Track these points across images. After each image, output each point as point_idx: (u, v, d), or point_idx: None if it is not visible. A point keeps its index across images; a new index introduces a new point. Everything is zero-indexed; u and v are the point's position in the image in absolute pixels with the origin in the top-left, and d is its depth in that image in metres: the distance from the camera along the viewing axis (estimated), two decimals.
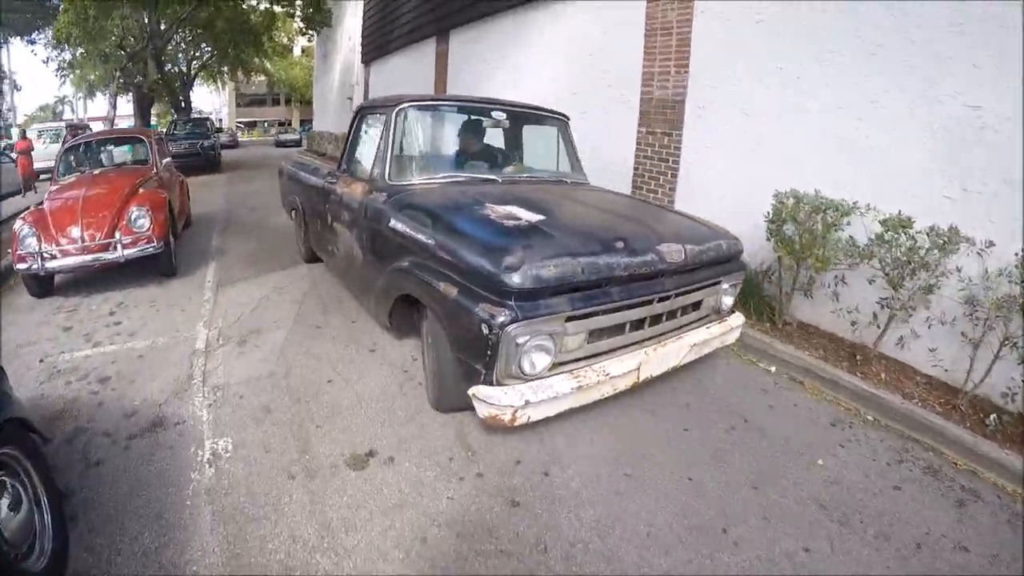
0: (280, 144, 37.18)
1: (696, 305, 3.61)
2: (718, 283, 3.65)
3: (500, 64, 9.76)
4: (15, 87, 34.34)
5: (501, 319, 2.61)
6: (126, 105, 28.31)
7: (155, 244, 5.74)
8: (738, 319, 3.99)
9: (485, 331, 2.65)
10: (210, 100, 57.30)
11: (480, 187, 4.03)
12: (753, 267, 5.02)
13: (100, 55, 17.91)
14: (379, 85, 15.89)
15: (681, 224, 3.82)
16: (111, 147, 8.00)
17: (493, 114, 4.63)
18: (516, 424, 2.80)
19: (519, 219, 3.22)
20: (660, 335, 3.39)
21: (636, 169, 6.85)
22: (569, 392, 2.87)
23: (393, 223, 3.61)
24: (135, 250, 5.65)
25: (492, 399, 2.75)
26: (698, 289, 3.50)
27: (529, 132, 5.07)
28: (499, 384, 2.79)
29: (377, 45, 15.74)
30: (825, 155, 4.83)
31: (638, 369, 3.18)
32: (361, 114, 4.73)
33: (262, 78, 39.91)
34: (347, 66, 20.23)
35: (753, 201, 5.15)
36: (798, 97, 5.04)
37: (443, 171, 4.24)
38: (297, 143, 35.50)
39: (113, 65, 18.75)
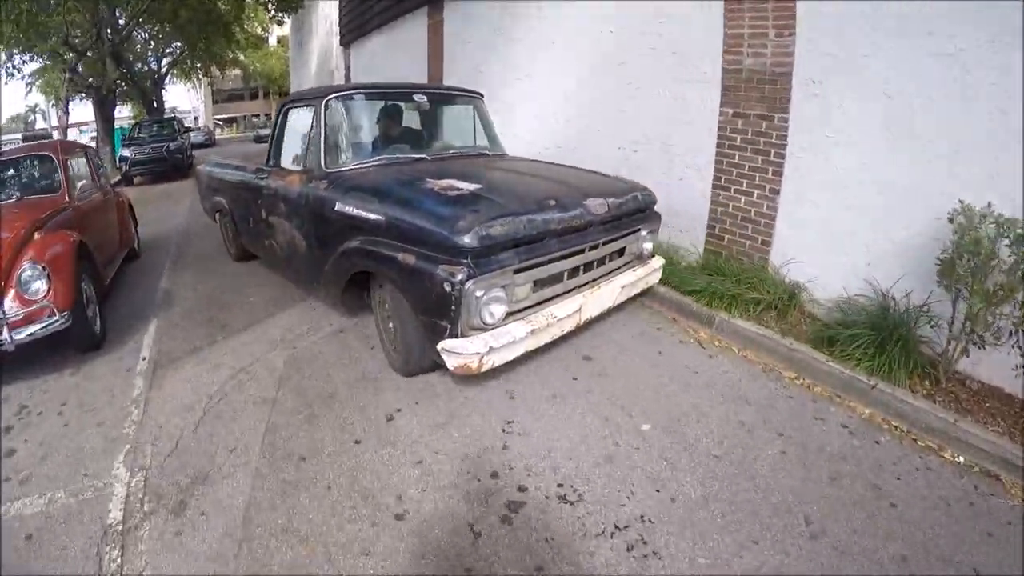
0: (259, 140, 35.06)
1: (621, 252, 4.10)
2: (638, 231, 4.14)
3: (515, 34, 7.77)
4: None
5: (461, 276, 2.93)
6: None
7: (59, 317, 3.93)
8: (658, 261, 4.50)
9: (448, 289, 2.94)
10: (187, 98, 54.75)
11: (413, 166, 4.32)
12: (897, 306, 3.84)
13: (49, 54, 15.81)
14: (361, 69, 13.95)
15: (600, 181, 4.28)
16: (11, 170, 5.68)
17: (415, 97, 4.91)
18: (483, 370, 3.12)
19: (460, 189, 3.52)
20: (594, 280, 3.85)
21: (719, 163, 5.10)
22: (525, 336, 3.22)
23: (339, 207, 3.78)
24: (33, 329, 3.86)
25: (460, 349, 3.04)
26: (622, 237, 3.97)
27: (449, 111, 5.38)
28: (464, 336, 3.07)
29: (357, 24, 13.66)
30: (1003, 154, 3.44)
31: (580, 311, 3.61)
32: (285, 108, 4.86)
33: (237, 72, 37.67)
34: (325, 51, 18.32)
35: (896, 216, 4.00)
36: (964, 76, 3.59)
37: (375, 155, 4.45)
38: None
39: (61, 65, 16.51)
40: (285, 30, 31.31)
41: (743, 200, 4.93)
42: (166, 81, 29.21)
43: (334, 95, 4.33)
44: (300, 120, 4.59)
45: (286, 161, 4.72)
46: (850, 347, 3.67)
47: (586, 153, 6.23)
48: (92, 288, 4.62)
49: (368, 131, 4.68)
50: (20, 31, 13.01)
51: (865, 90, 4.07)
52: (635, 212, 4.12)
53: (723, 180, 5.08)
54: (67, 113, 16.09)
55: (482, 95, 5.46)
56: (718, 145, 5.07)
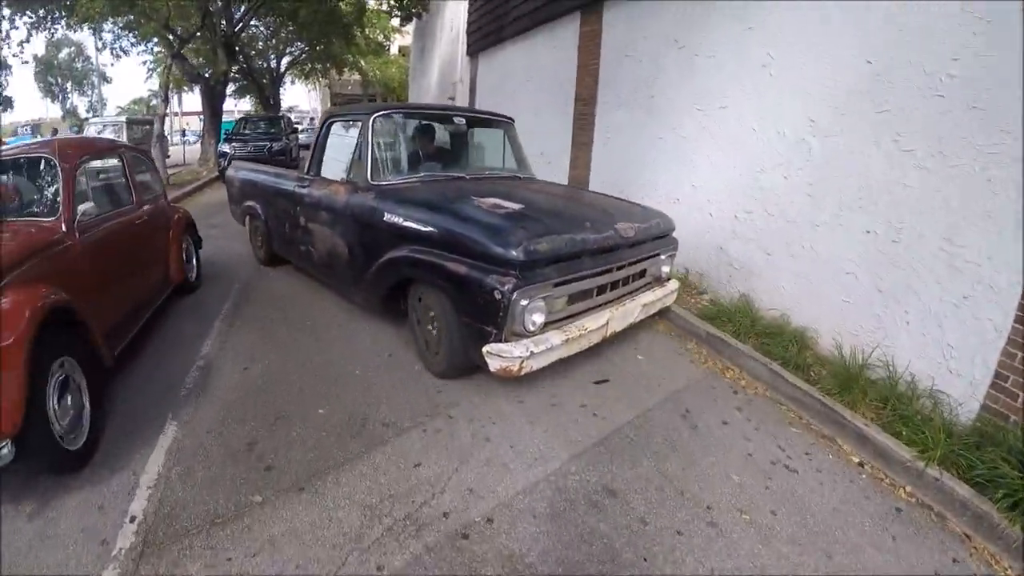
0: None
1: (642, 273, 4.33)
2: (658, 254, 4.40)
3: (702, 49, 5.58)
4: (104, 79, 32.64)
5: (509, 286, 3.16)
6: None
7: None
8: (674, 284, 4.71)
9: (498, 296, 3.17)
10: (307, 99, 55.39)
11: (454, 183, 4.61)
12: None
13: (152, 36, 14.92)
14: (490, 82, 11.84)
15: (627, 207, 4.57)
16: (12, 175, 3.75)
17: (454, 119, 5.31)
18: (522, 373, 3.33)
19: (506, 207, 3.81)
20: (620, 297, 4.10)
21: None
22: (560, 344, 3.46)
23: (388, 217, 4.00)
24: None
25: (504, 353, 3.25)
26: (645, 259, 4.25)
27: (483, 134, 5.70)
28: (507, 341, 3.29)
29: (488, 32, 11.64)
30: None
31: (607, 324, 3.82)
32: (329, 122, 5.04)
33: (357, 77, 37.16)
34: (448, 61, 16.45)
35: None
36: None
37: (417, 171, 4.73)
38: None
39: (164, 51, 15.39)
40: (407, 40, 30.49)
41: None
42: (284, 80, 29.58)
43: (380, 113, 4.59)
44: (344, 134, 4.82)
45: (328, 172, 4.95)
46: None
47: (812, 229, 4.53)
48: (80, 374, 2.99)
49: (411, 148, 4.91)
50: (112, 9, 12.02)
51: None
52: (656, 237, 4.39)
53: None
54: (166, 100, 14.82)
55: (513, 120, 5.73)
56: None
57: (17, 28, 13.56)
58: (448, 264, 3.46)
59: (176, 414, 3.39)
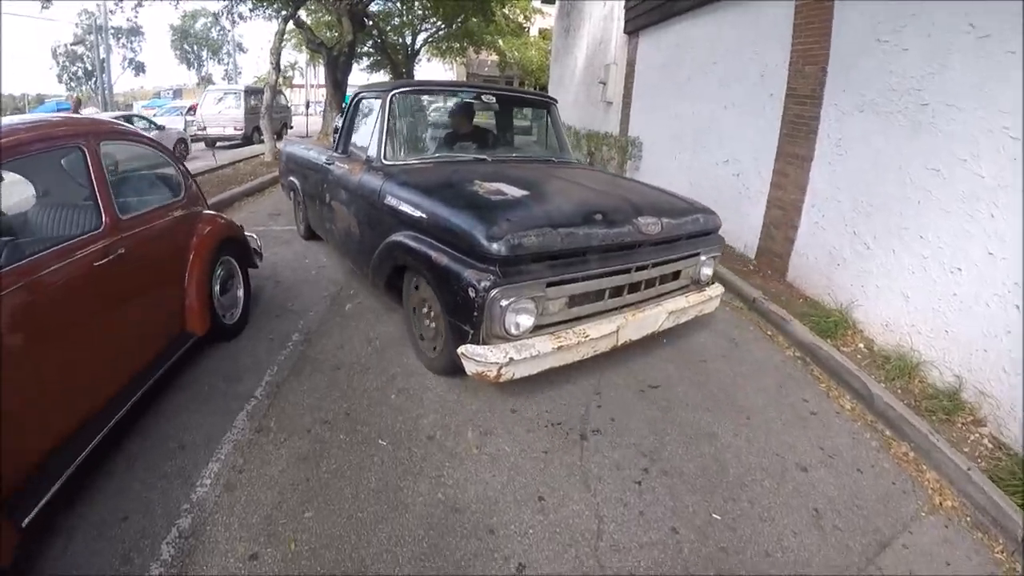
0: None
1: (676, 275, 3.84)
2: (696, 255, 3.89)
3: None
4: (239, 48, 33.12)
5: (485, 283, 2.87)
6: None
7: None
8: (717, 289, 4.18)
9: (472, 294, 2.91)
10: (444, 77, 55.97)
11: (472, 166, 4.35)
12: None
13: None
14: (655, 65, 9.80)
15: (660, 199, 4.03)
16: None
17: (483, 98, 4.96)
18: (502, 380, 3.01)
19: (505, 194, 3.49)
20: (639, 302, 3.62)
21: None
22: (550, 352, 3.09)
23: (388, 199, 3.82)
24: None
25: (479, 356, 2.95)
26: (676, 260, 3.72)
27: (520, 115, 5.49)
28: (485, 343, 3.01)
29: (655, 5, 9.57)
30: None
31: (616, 333, 3.39)
32: (358, 98, 4.95)
33: (494, 58, 36.29)
34: (598, 41, 14.33)
35: None
36: None
37: (435, 152, 4.56)
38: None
39: (283, 13, 14.17)
40: (548, 22, 29.97)
41: None
42: (420, 56, 29.79)
43: (400, 89, 4.46)
44: (369, 111, 4.70)
45: (352, 150, 4.84)
46: None
47: None
48: None
49: (430, 128, 4.81)
50: None
51: None
52: (694, 235, 3.88)
53: None
54: (278, 69, 13.60)
55: (555, 100, 5.39)
56: None
57: None
58: (432, 254, 3.27)
59: None
